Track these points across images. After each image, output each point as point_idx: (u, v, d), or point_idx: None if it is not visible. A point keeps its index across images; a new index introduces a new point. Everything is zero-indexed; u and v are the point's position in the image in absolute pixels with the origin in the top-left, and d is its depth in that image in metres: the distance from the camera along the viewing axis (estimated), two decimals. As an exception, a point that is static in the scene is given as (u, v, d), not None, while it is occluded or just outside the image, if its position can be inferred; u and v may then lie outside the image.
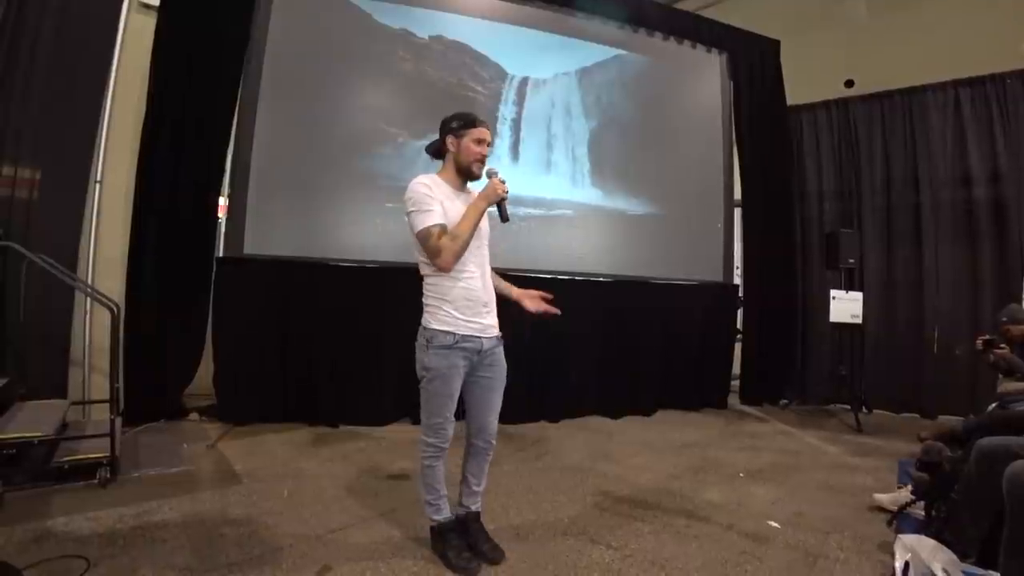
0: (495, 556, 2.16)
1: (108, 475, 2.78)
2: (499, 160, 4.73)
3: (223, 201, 4.19)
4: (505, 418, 4.44)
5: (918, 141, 5.48)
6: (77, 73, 3.88)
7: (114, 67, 4.04)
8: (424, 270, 2.14)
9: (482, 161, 2.13)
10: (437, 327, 2.07)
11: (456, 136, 2.12)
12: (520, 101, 4.88)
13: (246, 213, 4.07)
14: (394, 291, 4.27)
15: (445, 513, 2.18)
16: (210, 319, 4.03)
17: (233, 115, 4.10)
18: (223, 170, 4.12)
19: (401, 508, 2.65)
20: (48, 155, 3.76)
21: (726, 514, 2.72)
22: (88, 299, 3.79)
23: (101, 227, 4.01)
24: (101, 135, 4.00)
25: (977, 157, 5.22)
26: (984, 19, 5.55)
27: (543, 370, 4.62)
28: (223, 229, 4.17)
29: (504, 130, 4.82)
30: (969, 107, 5.28)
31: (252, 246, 4.07)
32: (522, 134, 4.87)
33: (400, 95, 4.56)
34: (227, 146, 4.11)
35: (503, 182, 2.09)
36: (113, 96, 4.04)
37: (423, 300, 2.15)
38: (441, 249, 1.99)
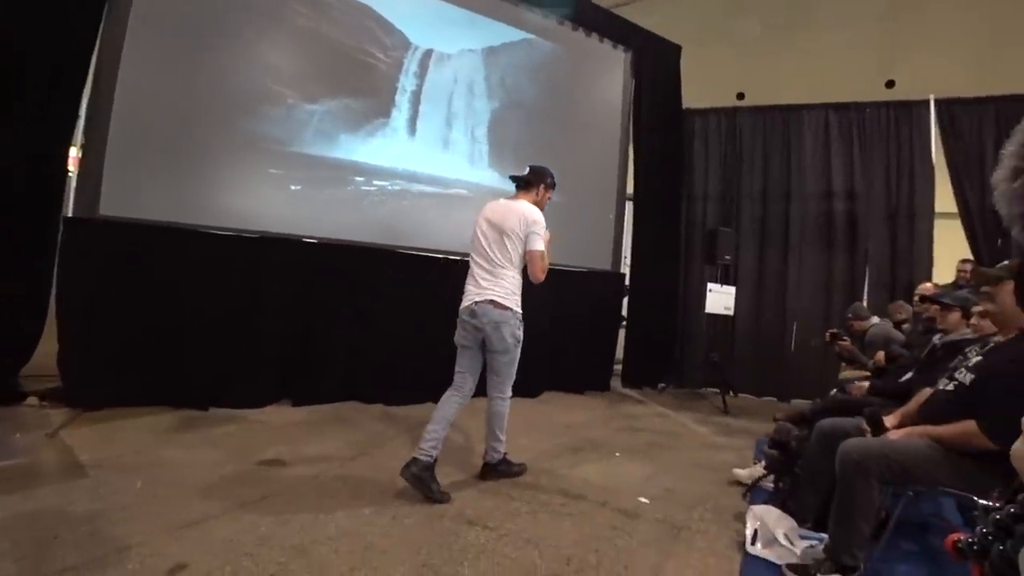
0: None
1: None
2: (395, 133, 4.56)
3: (75, 153, 3.65)
4: (388, 399, 4.34)
5: (792, 155, 6.05)
6: None
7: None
8: (511, 268, 2.82)
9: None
10: (520, 310, 2.82)
11: (547, 188, 3.08)
12: (422, 74, 4.70)
13: (103, 169, 3.56)
14: (273, 263, 4.01)
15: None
16: (54, 288, 3.52)
17: (91, 54, 3.56)
18: (76, 117, 3.59)
19: (272, 495, 2.50)
20: None
21: (601, 492, 2.84)
22: None
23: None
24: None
25: (838, 175, 5.87)
26: (855, 54, 6.27)
27: (430, 350, 4.50)
28: (73, 185, 3.64)
29: (403, 102, 4.63)
30: (836, 129, 5.92)
31: (110, 207, 3.57)
32: (421, 108, 4.70)
33: (293, 53, 4.22)
34: (82, 90, 3.57)
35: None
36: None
37: (502, 288, 2.80)
38: (547, 268, 2.86)
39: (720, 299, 5.53)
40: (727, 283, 5.74)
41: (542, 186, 3.00)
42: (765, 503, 2.60)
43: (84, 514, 2.20)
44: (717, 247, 5.55)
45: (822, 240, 5.91)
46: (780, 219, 6.06)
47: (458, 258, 4.71)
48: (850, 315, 4.54)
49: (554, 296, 5.26)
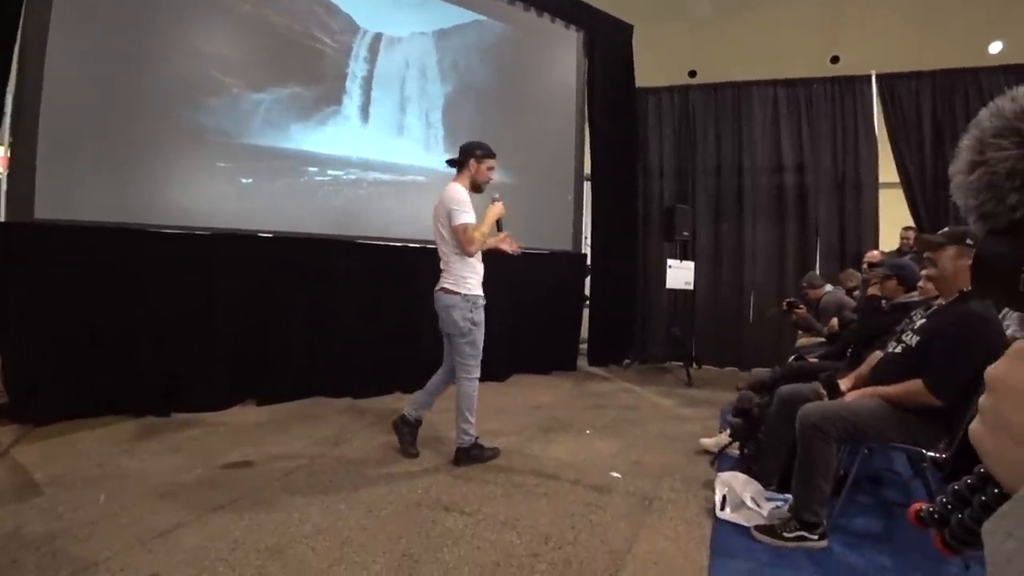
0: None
1: None
2: (347, 120, 4.44)
3: (1, 153, 3.42)
4: (354, 392, 4.29)
5: (743, 130, 6.20)
6: None
7: None
8: (451, 250, 2.87)
9: (488, 182, 2.99)
10: (470, 291, 2.86)
11: (478, 161, 2.94)
12: (372, 59, 4.58)
13: (35, 169, 3.35)
14: (227, 260, 3.87)
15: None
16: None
17: (12, 46, 3.31)
18: (1, 114, 3.35)
19: (243, 498, 2.44)
20: None
21: (573, 470, 2.90)
22: None
23: None
24: None
25: (788, 149, 6.05)
26: (801, 31, 6.42)
27: (395, 340, 4.49)
28: (3, 188, 3.41)
29: (353, 88, 4.50)
30: (785, 105, 6.08)
31: (46, 209, 3.37)
32: (373, 94, 4.59)
33: (237, 41, 4.04)
34: (5, 85, 3.33)
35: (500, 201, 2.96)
36: None
37: (450, 275, 2.88)
38: (474, 240, 2.81)
39: (680, 275, 5.65)
40: (686, 259, 5.86)
41: (472, 161, 2.96)
42: (732, 470, 2.71)
43: (44, 534, 2.10)
44: (675, 224, 5.66)
45: (775, 213, 6.11)
46: (734, 194, 6.23)
47: (417, 245, 4.68)
48: (804, 284, 4.71)
49: (516, 279, 5.27)
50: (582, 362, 5.95)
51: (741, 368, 5.98)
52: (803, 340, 4.56)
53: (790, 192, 6.06)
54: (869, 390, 2.20)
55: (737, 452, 2.99)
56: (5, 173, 3.42)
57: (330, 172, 4.34)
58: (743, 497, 2.38)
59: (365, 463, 2.92)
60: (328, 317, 4.24)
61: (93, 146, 3.52)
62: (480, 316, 2.89)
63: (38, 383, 3.34)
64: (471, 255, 2.86)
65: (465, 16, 5.10)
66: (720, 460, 3.01)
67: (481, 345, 2.92)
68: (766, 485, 2.48)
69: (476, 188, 2.97)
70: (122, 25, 3.59)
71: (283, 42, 4.16)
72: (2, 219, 3.39)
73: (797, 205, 6.05)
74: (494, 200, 2.98)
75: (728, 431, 3.13)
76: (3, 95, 3.33)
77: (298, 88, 4.21)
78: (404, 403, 4.14)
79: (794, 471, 2.17)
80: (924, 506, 0.51)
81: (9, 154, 3.38)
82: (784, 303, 4.70)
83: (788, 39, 6.45)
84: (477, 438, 2.97)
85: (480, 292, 2.90)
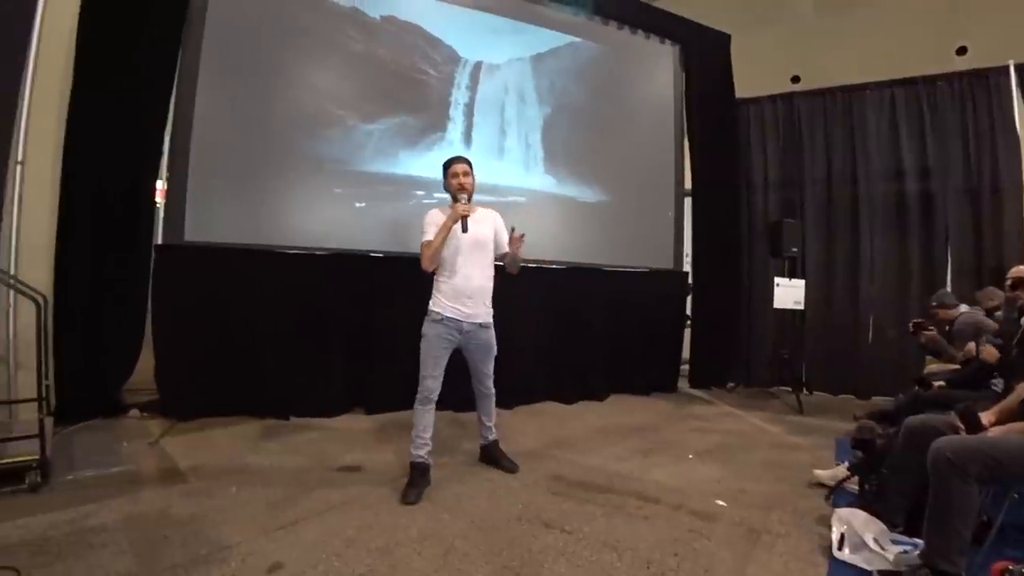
0: (511, 468, 3.05)
1: (39, 479, 2.60)
2: (451, 145, 4.67)
3: (161, 185, 3.96)
4: (458, 407, 4.44)
5: (856, 136, 5.74)
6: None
7: (35, 38, 3.71)
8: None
9: (460, 188, 2.87)
10: (432, 307, 2.86)
11: (444, 175, 2.96)
12: (473, 86, 4.81)
13: (186, 198, 3.86)
14: (343, 279, 4.19)
15: (420, 454, 2.79)
16: (149, 310, 3.83)
17: (171, 93, 3.86)
18: (160, 152, 3.89)
19: (354, 500, 2.62)
20: (-39, 134, 3.46)
21: (675, 494, 2.81)
22: (11, 291, 3.51)
23: (24, 213, 3.70)
24: (22, 112, 3.68)
25: (909, 154, 5.52)
26: (919, 25, 5.88)
27: (496, 357, 4.60)
28: (162, 215, 3.95)
29: (456, 115, 4.74)
30: (903, 106, 5.58)
31: (193, 232, 3.87)
32: (475, 119, 4.81)
33: (350, 76, 4.41)
34: (164, 126, 3.87)
35: (464, 203, 2.81)
36: (35, 69, 3.71)
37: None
38: (422, 256, 2.82)
39: (789, 293, 5.31)
40: (795, 276, 5.51)
41: (444, 176, 2.99)
42: (850, 506, 2.49)
43: (187, 516, 2.39)
44: (782, 239, 5.35)
45: (895, 224, 5.56)
46: (847, 204, 5.76)
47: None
48: (934, 303, 4.26)
49: (615, 297, 5.25)
50: (683, 384, 5.75)
51: (858, 396, 5.48)
52: (932, 366, 4.11)
53: (913, 200, 5.50)
54: (1019, 425, 1.96)
55: (856, 487, 2.74)
56: (163, 203, 3.95)
57: (436, 195, 4.55)
58: (864, 537, 2.18)
59: (467, 475, 3.01)
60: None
61: (230, 176, 3.99)
62: (429, 330, 2.82)
63: (182, 383, 3.82)
64: (426, 270, 2.86)
65: (560, 39, 5.22)
66: (836, 495, 2.76)
67: (427, 361, 2.80)
68: (891, 526, 2.26)
69: (454, 199, 2.90)
70: (254, 70, 4.07)
71: (391, 75, 4.48)
72: (160, 241, 3.91)
73: (922, 214, 5.46)
74: (456, 199, 2.89)
75: (846, 463, 2.90)
76: (162, 135, 3.88)
77: (406, 117, 4.51)
78: (502, 418, 4.23)
79: (926, 512, 1.96)
80: (1011, 567, 0.46)
81: (167, 186, 3.92)
82: (911, 324, 4.28)
83: (903, 34, 5.90)
84: (417, 461, 2.79)
85: (440, 310, 2.82)
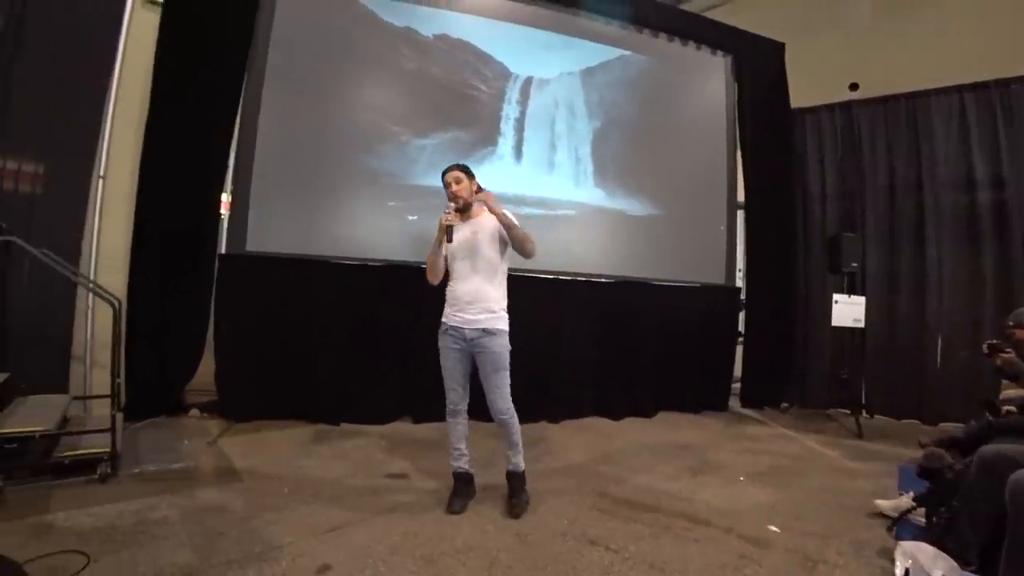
0: (513, 510, 2.67)
1: (109, 470, 2.78)
2: (501, 159, 4.73)
3: (226, 198, 4.19)
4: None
5: (922, 145, 5.45)
6: (81, 68, 3.87)
7: (118, 62, 4.03)
8: None
9: (452, 197, 2.76)
10: (444, 320, 2.80)
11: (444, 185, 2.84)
12: (524, 100, 4.87)
13: (248, 210, 4.07)
14: (395, 289, 4.29)
15: (458, 465, 2.78)
16: (212, 315, 4.03)
17: (236, 112, 4.09)
18: (226, 167, 4.12)
19: (400, 507, 2.66)
20: (51, 150, 3.76)
21: (725, 517, 2.72)
22: (90, 294, 3.78)
23: (104, 222, 4.00)
24: (105, 130, 3.99)
25: (980, 162, 5.20)
26: (989, 24, 5.55)
27: (543, 370, 4.61)
28: (225, 225, 4.17)
29: (507, 129, 4.81)
30: (974, 112, 5.26)
31: (254, 243, 4.07)
32: (525, 133, 4.86)
33: (403, 93, 4.55)
34: (230, 143, 4.10)
35: (448, 214, 2.67)
36: (117, 91, 4.03)
37: None
38: (426, 270, 2.82)
39: (848, 311, 5.07)
40: (855, 292, 5.26)
41: None
42: (915, 539, 2.35)
43: (242, 514, 2.49)
44: (841, 254, 5.12)
45: (966, 236, 5.22)
46: (912, 216, 5.45)
47: (567, 277, 4.81)
48: (1011, 322, 3.94)
49: (665, 312, 5.16)
50: (734, 402, 5.57)
51: (924, 421, 5.15)
52: (1009, 391, 3.81)
53: (985, 211, 5.14)
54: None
55: (923, 520, 2.57)
56: (226, 214, 4.17)
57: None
58: (932, 573, 2.05)
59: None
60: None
61: (289, 190, 4.18)
62: (439, 341, 2.79)
63: (240, 386, 4.00)
64: (431, 283, 2.85)
65: (610, 53, 5.22)
66: (900, 527, 2.60)
67: (444, 373, 2.79)
68: (963, 564, 2.11)
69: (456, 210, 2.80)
70: (313, 89, 4.27)
71: (443, 91, 4.59)
72: (223, 251, 4.12)
73: (995, 226, 5.08)
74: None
75: (911, 493, 2.73)
76: (228, 151, 4.10)
77: (457, 132, 4.61)
78: (548, 431, 4.29)
79: (1004, 550, 1.83)
80: None
81: (230, 199, 4.13)
82: (985, 346, 4.00)
83: (971, 35, 5.55)
84: (459, 471, 2.80)
85: (445, 319, 2.78)
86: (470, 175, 2.85)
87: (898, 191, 5.55)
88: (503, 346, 2.71)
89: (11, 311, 3.47)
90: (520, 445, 2.80)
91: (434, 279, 2.82)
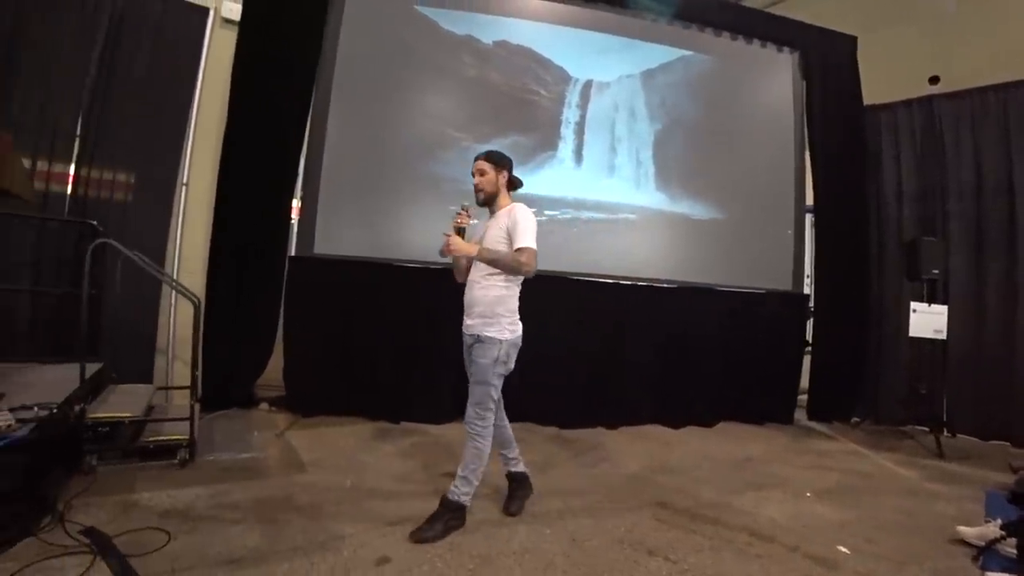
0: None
1: (187, 456, 2.98)
2: (561, 163, 4.75)
3: (296, 203, 4.40)
4: (561, 422, 4.43)
5: (1013, 141, 5.03)
6: (167, 86, 4.22)
7: (199, 80, 4.35)
8: None
9: (475, 189, 2.66)
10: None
11: None
12: (584, 104, 4.86)
13: (316, 215, 4.27)
14: (456, 292, 4.34)
15: (508, 467, 2.82)
16: (282, 315, 4.24)
17: (306, 122, 4.30)
18: (296, 174, 4.33)
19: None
20: (141, 161, 4.14)
21: (791, 535, 2.61)
22: (173, 292, 4.07)
23: (186, 226, 4.32)
24: (188, 142, 4.33)
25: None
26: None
27: (601, 374, 4.58)
28: (295, 230, 4.38)
29: (568, 133, 4.81)
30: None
31: (322, 246, 4.26)
32: (586, 137, 4.85)
33: (465, 100, 4.65)
34: (300, 151, 4.31)
35: (461, 213, 2.57)
36: (199, 106, 4.35)
37: None
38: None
39: (928, 321, 4.73)
40: (935, 301, 4.91)
41: None
42: (1004, 571, 2.17)
43: (307, 504, 2.61)
44: (920, 259, 4.79)
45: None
46: (1002, 219, 5.01)
47: (628, 282, 4.76)
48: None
49: (728, 320, 5.00)
50: (800, 415, 5.31)
51: (1014, 443, 4.71)
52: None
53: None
54: None
55: (1013, 551, 2.38)
56: (297, 219, 4.38)
57: (546, 212, 4.65)
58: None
59: (570, 493, 2.99)
60: (538, 347, 4.48)
61: (355, 195, 4.35)
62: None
63: (307, 382, 4.19)
64: (459, 282, 2.78)
65: (671, 54, 5.12)
66: (987, 557, 2.40)
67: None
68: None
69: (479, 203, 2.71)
70: (377, 98, 4.43)
71: (504, 97, 4.66)
72: (292, 253, 4.32)
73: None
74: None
75: (999, 521, 2.53)
76: (298, 159, 4.31)
77: (518, 137, 4.65)
78: (606, 438, 4.25)
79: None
80: None
81: (300, 205, 4.35)
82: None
83: None
84: (513, 472, 2.78)
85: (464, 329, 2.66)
86: (499, 165, 2.63)
87: (985, 191, 5.14)
88: (489, 357, 2.45)
89: (106, 307, 3.79)
90: (470, 480, 2.46)
91: (459, 277, 2.76)
